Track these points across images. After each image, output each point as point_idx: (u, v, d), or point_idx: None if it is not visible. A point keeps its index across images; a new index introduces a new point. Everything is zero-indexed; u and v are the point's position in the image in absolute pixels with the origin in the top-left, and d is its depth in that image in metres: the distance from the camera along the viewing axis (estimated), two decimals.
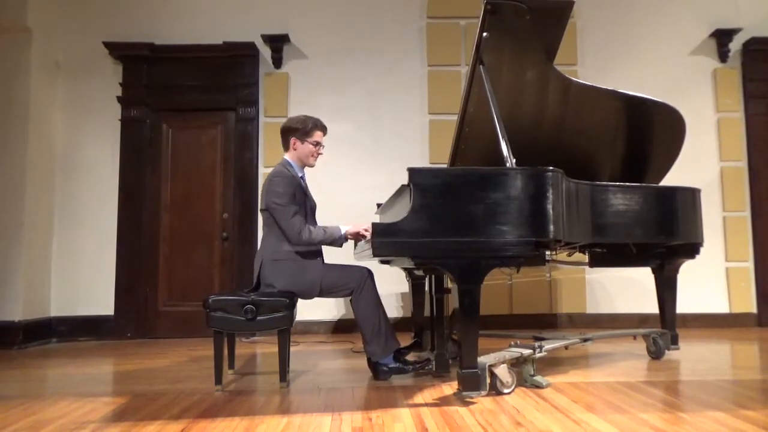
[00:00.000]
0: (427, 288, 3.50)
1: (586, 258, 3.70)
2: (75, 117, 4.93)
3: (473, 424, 2.05)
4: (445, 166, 3.61)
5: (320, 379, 2.95)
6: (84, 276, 4.78)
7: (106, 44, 4.89)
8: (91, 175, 4.89)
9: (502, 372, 2.49)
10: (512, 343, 2.83)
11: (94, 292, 4.77)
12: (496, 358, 2.50)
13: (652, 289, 3.55)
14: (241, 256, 4.82)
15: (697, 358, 3.41)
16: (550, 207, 2.42)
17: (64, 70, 4.93)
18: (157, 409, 2.36)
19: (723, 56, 5.08)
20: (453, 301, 2.49)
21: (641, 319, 4.66)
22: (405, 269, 3.70)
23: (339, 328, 4.81)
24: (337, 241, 2.87)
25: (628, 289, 4.87)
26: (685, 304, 4.36)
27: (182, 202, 4.94)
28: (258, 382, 2.96)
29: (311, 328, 4.80)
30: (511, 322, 4.72)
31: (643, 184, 3.28)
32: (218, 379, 2.69)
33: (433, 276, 3.01)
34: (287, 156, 3.05)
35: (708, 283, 4.89)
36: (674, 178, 3.49)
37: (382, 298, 2.92)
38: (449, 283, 2.61)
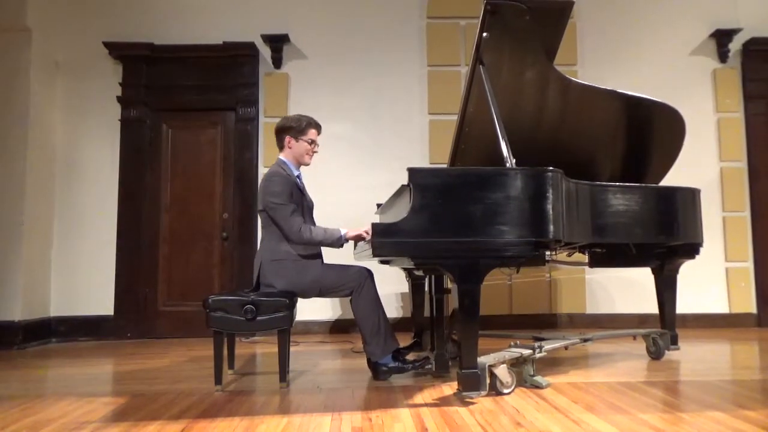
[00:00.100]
0: (426, 288, 3.50)
1: (585, 258, 3.70)
2: (75, 117, 4.93)
3: (473, 424, 2.05)
4: (445, 166, 3.61)
5: (320, 379, 2.95)
6: (84, 276, 4.78)
7: (106, 44, 4.89)
8: (91, 175, 4.90)
9: (502, 372, 2.49)
10: (512, 343, 2.83)
11: (93, 292, 4.77)
12: (495, 358, 2.50)
13: (651, 290, 3.55)
14: (240, 256, 4.82)
15: (696, 358, 3.41)
16: (549, 207, 2.42)
17: (63, 70, 4.93)
18: (157, 409, 2.36)
19: (723, 56, 5.08)
20: (453, 302, 2.49)
21: (641, 320, 4.66)
22: (405, 269, 3.70)
23: (336, 327, 4.81)
24: (337, 242, 2.87)
25: (628, 289, 4.87)
26: (684, 305, 4.37)
27: (182, 202, 4.94)
28: (258, 382, 2.96)
29: (311, 328, 4.80)
30: (511, 322, 4.72)
31: (643, 185, 3.27)
32: (218, 379, 2.69)
33: (432, 276, 3.01)
34: (282, 156, 3.05)
35: (708, 283, 4.89)
36: (674, 178, 3.49)
37: (381, 299, 2.92)
38: (449, 284, 2.61)
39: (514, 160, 2.57)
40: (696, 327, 4.76)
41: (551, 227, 2.41)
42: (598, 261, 3.64)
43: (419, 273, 3.39)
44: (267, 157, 4.89)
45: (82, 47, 4.94)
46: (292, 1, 5.07)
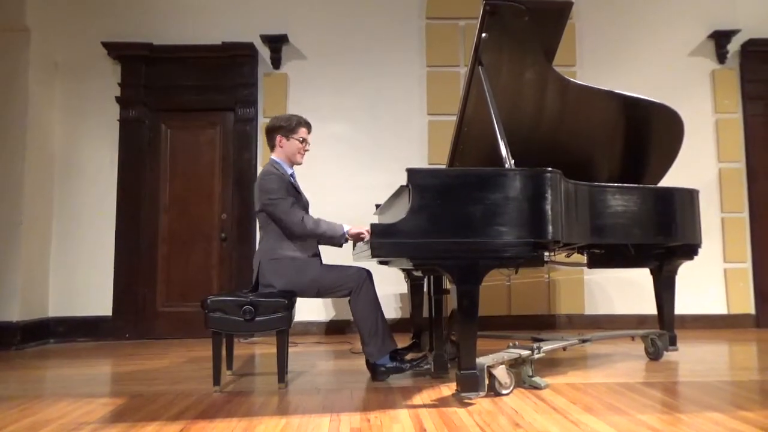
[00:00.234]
0: (425, 289, 3.50)
1: (584, 259, 3.70)
2: (73, 117, 4.92)
3: (472, 425, 2.05)
4: (443, 166, 3.61)
5: (319, 380, 2.95)
6: (82, 276, 4.78)
7: (105, 44, 4.89)
8: (90, 176, 4.89)
9: (501, 373, 2.49)
10: (511, 344, 2.84)
11: (92, 292, 4.76)
12: (494, 359, 2.50)
13: (650, 290, 3.55)
14: (239, 257, 4.82)
15: (695, 359, 3.41)
16: (548, 208, 2.42)
17: (62, 70, 4.93)
18: (156, 409, 2.35)
19: (721, 57, 5.09)
20: (451, 302, 2.49)
21: (639, 320, 4.66)
22: (404, 270, 3.70)
23: (332, 328, 4.81)
24: (338, 237, 2.87)
25: (627, 290, 4.87)
26: (683, 305, 4.37)
27: (181, 203, 4.94)
28: (256, 382, 2.96)
29: (310, 328, 4.80)
30: (510, 323, 4.72)
31: (642, 185, 3.28)
32: (216, 380, 2.68)
33: (431, 277, 3.01)
34: (274, 156, 3.06)
35: (706, 284, 4.90)
36: (672, 179, 3.49)
37: (380, 299, 2.92)
38: (448, 284, 2.61)
39: (512, 161, 2.58)
40: (694, 328, 4.76)
41: (550, 228, 2.41)
42: (596, 262, 3.64)
43: (418, 274, 3.39)
44: (266, 158, 4.79)
45: (81, 47, 4.94)
46: (291, 2, 5.07)
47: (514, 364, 2.64)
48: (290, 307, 2.74)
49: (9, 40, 4.52)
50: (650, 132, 3.39)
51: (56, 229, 4.82)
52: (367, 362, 2.93)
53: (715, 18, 5.11)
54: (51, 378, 3.25)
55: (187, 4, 5.05)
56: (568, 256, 3.75)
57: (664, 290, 3.46)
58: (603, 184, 2.99)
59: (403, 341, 3.36)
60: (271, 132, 3.05)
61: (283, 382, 2.73)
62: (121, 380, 3.09)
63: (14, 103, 4.50)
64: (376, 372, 2.88)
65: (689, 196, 3.25)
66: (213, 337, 2.70)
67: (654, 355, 3.35)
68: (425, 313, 3.34)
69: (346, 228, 2.87)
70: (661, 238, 3.13)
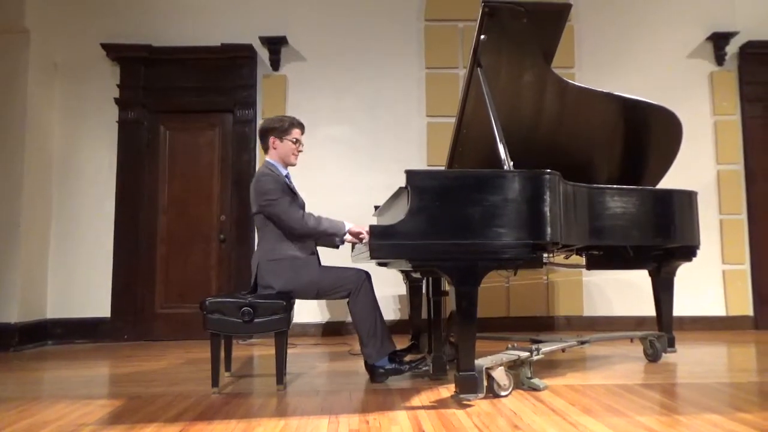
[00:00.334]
0: (424, 290, 3.50)
1: (583, 261, 3.71)
2: (72, 118, 4.92)
3: (470, 426, 2.05)
4: (442, 168, 3.61)
5: (317, 382, 2.95)
6: (81, 278, 4.77)
7: (104, 46, 4.89)
8: (89, 177, 4.89)
9: (499, 375, 2.49)
10: (509, 345, 2.83)
11: (90, 294, 4.76)
12: (493, 360, 2.51)
13: (648, 292, 3.55)
14: (238, 258, 4.81)
15: (693, 360, 3.41)
16: (547, 209, 2.42)
17: (61, 72, 4.93)
18: (154, 411, 2.35)
19: (720, 59, 5.10)
20: (450, 304, 2.49)
21: (638, 322, 4.66)
22: (402, 272, 3.70)
23: (329, 329, 4.81)
24: (339, 235, 2.85)
25: (625, 291, 4.88)
26: (681, 307, 4.37)
27: (179, 204, 4.94)
28: (255, 384, 2.96)
29: (308, 330, 4.80)
30: (509, 324, 4.72)
31: (640, 187, 3.28)
32: (215, 382, 2.68)
33: (430, 278, 3.01)
34: (268, 157, 3.05)
35: (705, 285, 4.90)
36: (671, 180, 3.49)
37: (379, 301, 2.92)
38: (446, 286, 2.61)
39: (511, 163, 2.58)
40: (693, 329, 4.76)
41: (549, 229, 2.42)
42: (595, 263, 3.64)
43: (417, 275, 3.39)
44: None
45: (80, 49, 4.94)
46: (290, 3, 5.07)
47: (513, 366, 2.64)
48: (289, 308, 2.74)
49: (8, 41, 4.52)
50: (649, 134, 3.40)
51: (55, 230, 4.81)
52: (366, 364, 2.92)
53: (714, 20, 5.12)
54: (49, 379, 3.25)
55: (186, 6, 5.06)
56: (566, 257, 3.75)
57: (663, 292, 3.47)
58: (601, 185, 2.99)
59: (401, 343, 3.36)
60: (264, 134, 3.05)
61: (281, 384, 2.72)
62: (120, 382, 3.09)
63: (13, 104, 4.50)
64: (374, 373, 2.87)
65: (688, 198, 3.26)
66: (211, 338, 2.70)
67: (652, 356, 3.35)
68: (424, 315, 3.34)
69: (348, 226, 2.87)
70: (660, 239, 3.13)
